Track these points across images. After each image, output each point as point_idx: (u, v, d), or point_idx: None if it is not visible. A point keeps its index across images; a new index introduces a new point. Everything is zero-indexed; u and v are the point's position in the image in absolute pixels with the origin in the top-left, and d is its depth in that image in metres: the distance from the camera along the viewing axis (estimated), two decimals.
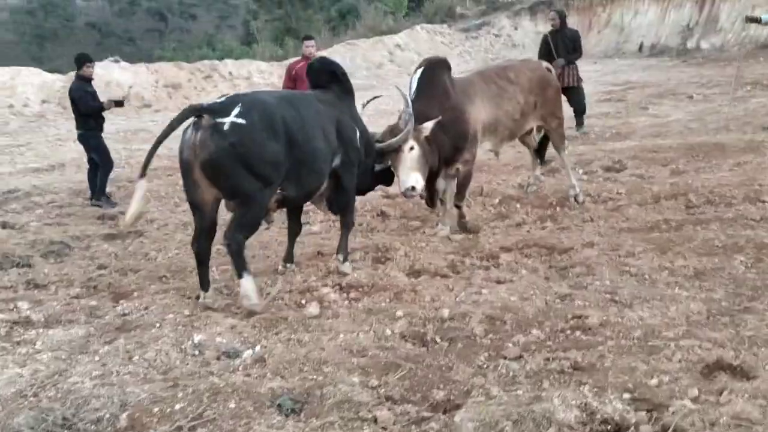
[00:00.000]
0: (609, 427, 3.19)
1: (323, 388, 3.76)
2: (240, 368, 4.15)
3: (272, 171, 5.00)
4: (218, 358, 4.35)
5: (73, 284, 6.08)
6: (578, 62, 12.57)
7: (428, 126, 6.24)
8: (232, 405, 3.63)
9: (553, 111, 7.72)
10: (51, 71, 24.79)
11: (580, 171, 9.30)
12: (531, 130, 7.78)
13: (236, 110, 4.85)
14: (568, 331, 4.34)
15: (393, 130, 6.32)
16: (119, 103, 10.19)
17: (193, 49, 41.10)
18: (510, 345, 4.23)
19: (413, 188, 6.15)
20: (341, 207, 6.06)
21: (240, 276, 5.01)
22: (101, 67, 23.72)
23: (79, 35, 79.49)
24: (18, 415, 3.51)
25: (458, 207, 6.97)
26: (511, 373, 3.86)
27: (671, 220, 6.70)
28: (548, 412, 3.22)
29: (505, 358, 4.08)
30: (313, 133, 5.32)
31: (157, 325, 4.86)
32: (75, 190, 10.57)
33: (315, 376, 3.94)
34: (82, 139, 9.97)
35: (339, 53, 23.85)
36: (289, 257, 6.20)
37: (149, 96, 22.13)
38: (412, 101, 6.34)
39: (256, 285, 5.16)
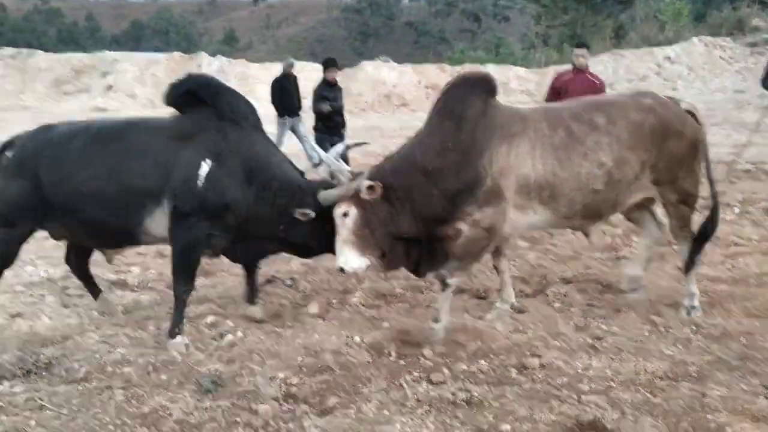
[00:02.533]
0: None
1: (244, 377, 4.17)
2: (212, 348, 4.70)
3: (18, 205, 4.76)
4: (213, 338, 4.92)
5: None
6: None
7: (365, 184, 4.49)
8: (164, 377, 4.21)
9: (676, 178, 4.95)
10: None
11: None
12: (645, 203, 5.23)
13: (13, 146, 4.89)
14: None
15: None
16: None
17: (478, 50, 42.16)
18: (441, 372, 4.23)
19: (341, 270, 4.63)
20: (172, 269, 4.88)
21: None
22: (372, 66, 25.72)
23: (398, 33, 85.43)
24: None
25: (444, 284, 4.84)
26: (410, 397, 3.92)
27: None
28: None
29: (431, 382, 4.12)
30: (92, 172, 4.65)
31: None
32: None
33: (252, 366, 4.34)
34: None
35: (602, 63, 23.12)
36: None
37: (409, 96, 23.40)
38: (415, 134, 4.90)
39: None
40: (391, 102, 23.10)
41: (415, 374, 4.24)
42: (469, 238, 4.67)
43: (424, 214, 4.65)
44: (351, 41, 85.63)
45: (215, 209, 4.66)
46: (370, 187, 4.49)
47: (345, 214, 4.57)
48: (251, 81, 24.96)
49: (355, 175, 4.73)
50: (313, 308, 5.35)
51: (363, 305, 5.53)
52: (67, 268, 5.62)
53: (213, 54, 27.61)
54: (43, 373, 4.30)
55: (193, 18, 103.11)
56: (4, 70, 26.86)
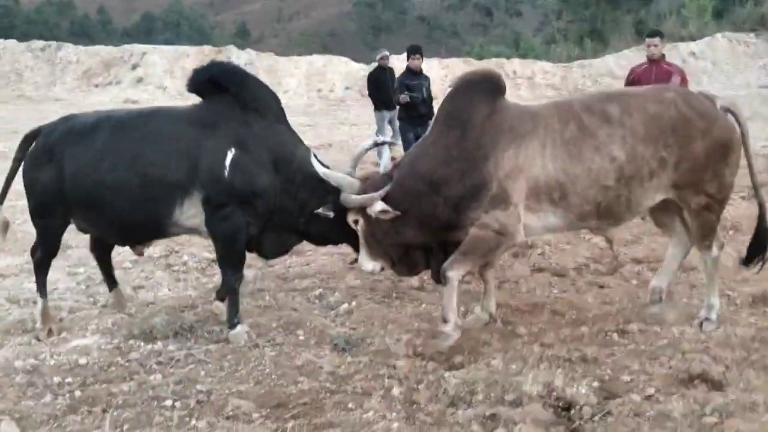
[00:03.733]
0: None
1: (373, 339, 4.66)
2: (332, 315, 5.19)
3: (42, 200, 4.83)
4: (329, 307, 5.41)
5: None
6: None
7: (377, 208, 4.50)
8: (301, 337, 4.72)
9: (700, 181, 4.52)
10: (368, 62, 27.10)
11: None
12: (674, 208, 4.86)
13: (39, 135, 4.94)
14: None
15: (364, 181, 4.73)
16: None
17: (498, 45, 42.52)
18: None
19: (371, 271, 4.85)
20: (218, 261, 5.00)
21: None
22: (399, 59, 26.13)
23: (409, 28, 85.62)
24: None
25: (441, 277, 4.63)
26: (528, 356, 4.38)
27: None
28: None
29: (542, 344, 4.56)
30: (112, 163, 4.64)
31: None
32: (335, 167, 12.24)
33: (376, 329, 4.83)
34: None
35: (627, 58, 23.51)
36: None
37: (435, 89, 23.78)
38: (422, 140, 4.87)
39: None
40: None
41: (526, 338, 4.70)
42: (475, 235, 4.48)
43: (432, 224, 4.57)
44: (363, 35, 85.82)
45: (245, 196, 4.64)
46: (383, 211, 4.49)
47: (356, 222, 4.70)
48: (279, 74, 25.49)
49: (364, 180, 4.72)
50: (414, 282, 5.81)
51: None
52: (164, 246, 6.04)
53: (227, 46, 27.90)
54: (188, 335, 4.77)
55: (204, 11, 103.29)
56: (34, 62, 27.40)
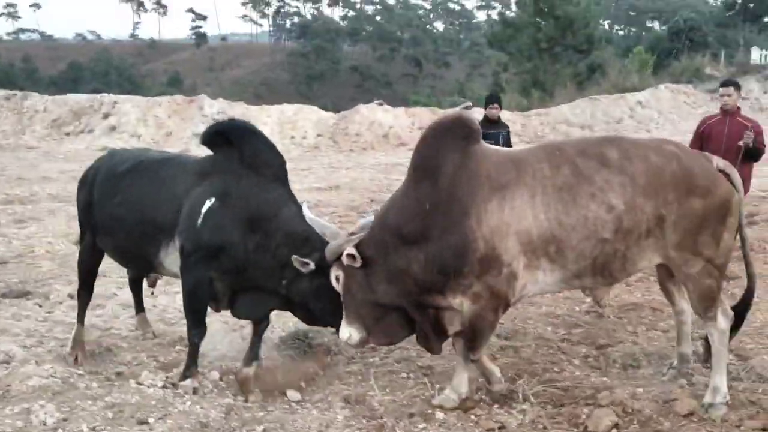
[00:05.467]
0: None
1: None
2: None
3: (80, 216, 5.57)
4: None
5: None
6: None
7: (347, 251, 4.28)
8: None
9: (698, 243, 4.22)
10: (324, 109, 28.56)
11: None
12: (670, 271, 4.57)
13: (93, 164, 5.66)
14: None
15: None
16: None
17: (445, 96, 44.49)
18: None
19: (346, 340, 4.48)
20: (184, 310, 5.03)
21: None
22: (368, 108, 27.42)
23: (343, 77, 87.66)
24: None
25: (475, 361, 4.51)
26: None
27: None
28: None
29: None
30: (130, 195, 5.08)
31: None
32: (350, 206, 13.22)
33: None
34: None
35: (580, 107, 25.46)
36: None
37: (405, 136, 25.07)
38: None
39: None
40: (389, 142, 24.74)
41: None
42: (473, 317, 4.25)
43: (407, 282, 4.27)
44: (296, 84, 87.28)
45: (210, 248, 4.66)
46: (350, 255, 4.26)
47: (337, 279, 4.44)
48: (252, 122, 26.22)
49: (351, 233, 4.51)
50: None
51: None
52: None
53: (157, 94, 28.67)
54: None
55: (134, 60, 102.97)
56: None
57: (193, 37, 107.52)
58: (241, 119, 6.02)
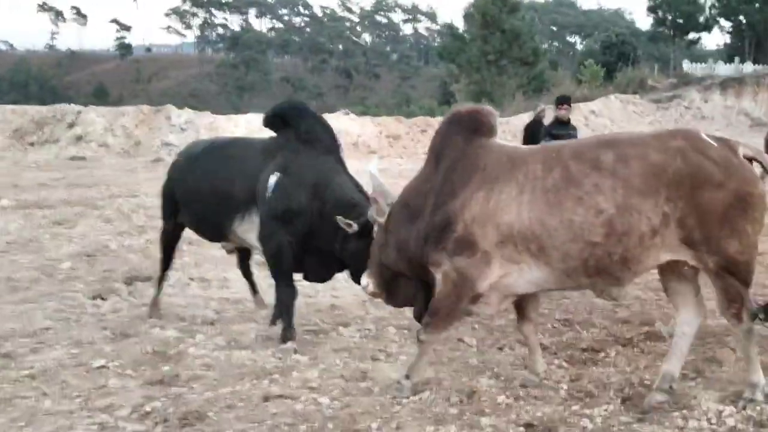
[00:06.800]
0: None
1: None
2: None
3: (164, 202, 6.37)
4: None
5: None
6: None
7: (371, 213, 4.84)
8: None
9: (715, 239, 4.03)
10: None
11: None
12: (687, 273, 4.35)
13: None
14: None
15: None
16: None
17: (380, 107, 45.62)
18: None
19: (363, 287, 4.94)
20: (272, 275, 5.75)
21: None
22: (334, 117, 28.10)
23: (274, 88, 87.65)
24: None
25: (419, 340, 4.51)
26: None
27: None
28: None
29: None
30: (206, 172, 5.80)
31: None
32: None
33: None
34: None
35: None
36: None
37: (374, 144, 25.88)
38: None
39: None
40: (359, 150, 25.48)
41: None
42: (440, 292, 4.37)
43: (406, 253, 4.56)
44: (227, 95, 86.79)
45: (282, 215, 5.31)
46: (370, 216, 4.85)
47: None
48: (220, 131, 26.54)
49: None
50: None
51: None
52: None
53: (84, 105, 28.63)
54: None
55: (54, 71, 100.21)
56: None
57: (117, 48, 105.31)
58: (296, 100, 7.01)
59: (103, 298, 6.76)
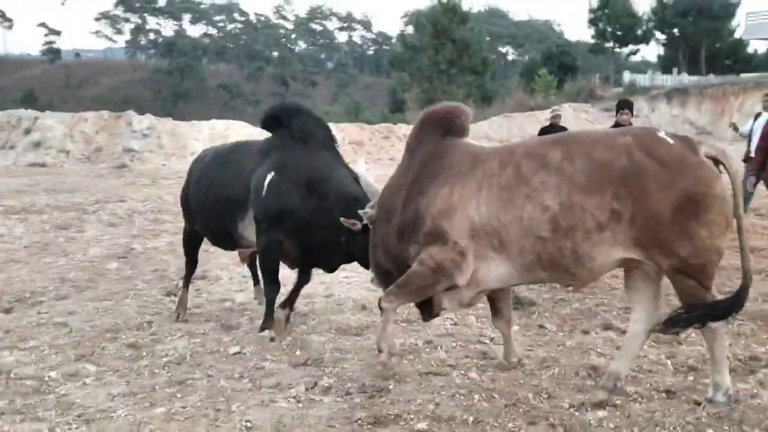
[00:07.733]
0: None
1: None
2: None
3: (183, 208, 6.55)
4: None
5: None
6: None
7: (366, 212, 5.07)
8: None
9: (665, 241, 3.98)
10: None
11: None
12: (648, 272, 4.32)
13: None
14: None
15: None
16: None
17: (351, 114, 46.06)
18: None
19: (371, 281, 5.26)
20: (260, 269, 5.96)
21: None
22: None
23: (211, 95, 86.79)
24: None
25: (380, 307, 4.76)
26: None
27: None
28: None
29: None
30: (209, 180, 5.98)
31: None
32: None
33: None
34: None
35: (497, 123, 27.78)
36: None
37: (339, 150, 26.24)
38: None
39: None
40: None
41: None
42: (412, 270, 4.48)
43: (389, 251, 4.75)
44: (162, 102, 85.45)
45: (275, 213, 5.38)
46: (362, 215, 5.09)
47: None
48: (183, 138, 26.45)
49: None
50: None
51: None
52: None
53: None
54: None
55: None
56: None
57: (45, 53, 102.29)
58: (290, 101, 6.91)
59: (175, 295, 6.95)
